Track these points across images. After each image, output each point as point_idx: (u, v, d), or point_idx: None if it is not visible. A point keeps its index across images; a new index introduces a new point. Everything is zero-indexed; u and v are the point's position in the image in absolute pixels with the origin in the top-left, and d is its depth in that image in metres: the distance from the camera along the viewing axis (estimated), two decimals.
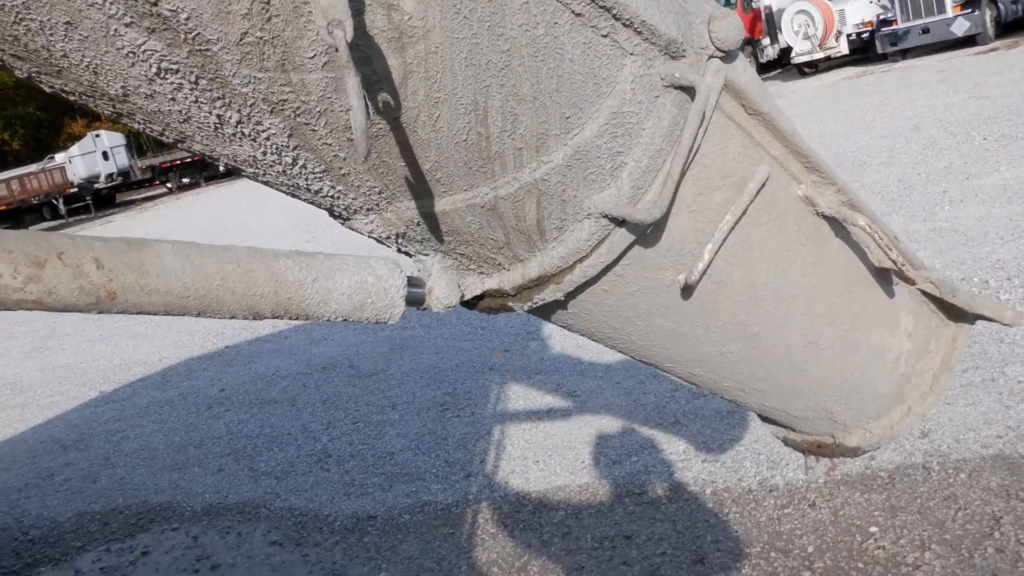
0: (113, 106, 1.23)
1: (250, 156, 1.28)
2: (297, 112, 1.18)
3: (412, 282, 1.50)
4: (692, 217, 1.57)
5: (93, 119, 50.40)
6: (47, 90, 1.26)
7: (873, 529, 3.65)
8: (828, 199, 1.72)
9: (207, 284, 1.15)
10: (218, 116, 1.19)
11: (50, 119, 51.00)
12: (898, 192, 8.64)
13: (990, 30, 21.61)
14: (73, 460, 6.72)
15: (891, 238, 1.78)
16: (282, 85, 1.15)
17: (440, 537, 4.45)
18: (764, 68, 25.63)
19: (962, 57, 19.53)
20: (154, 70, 1.12)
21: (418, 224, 1.44)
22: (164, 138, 1.30)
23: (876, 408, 2.12)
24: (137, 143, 45.48)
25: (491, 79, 1.24)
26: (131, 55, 1.10)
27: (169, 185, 39.60)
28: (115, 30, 1.07)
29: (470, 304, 1.63)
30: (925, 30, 21.84)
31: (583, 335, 1.80)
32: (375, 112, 1.20)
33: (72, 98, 1.24)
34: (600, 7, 1.26)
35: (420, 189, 1.36)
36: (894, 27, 22.03)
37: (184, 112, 1.19)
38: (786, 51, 24.83)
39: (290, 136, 1.22)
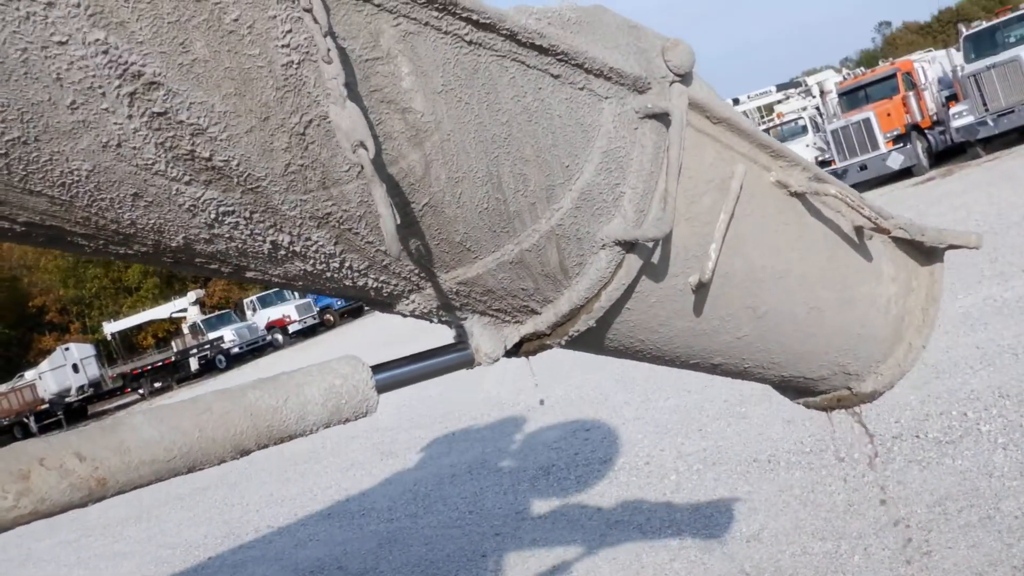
0: (175, 258, 1.33)
1: (301, 270, 1.40)
2: (341, 221, 1.31)
3: (457, 347, 1.68)
4: (689, 224, 1.75)
5: (63, 332, 50.32)
6: (111, 259, 1.39)
7: None
8: (797, 178, 1.94)
9: (188, 440, 1.18)
10: (272, 242, 1.31)
11: (19, 336, 50.88)
12: None
13: (924, 161, 22.65)
14: None
15: (860, 197, 2.02)
16: (325, 200, 1.27)
17: None
18: None
19: (902, 189, 20.36)
20: (213, 216, 1.23)
21: (456, 293, 1.56)
22: (219, 275, 1.42)
23: (881, 351, 2.33)
24: (107, 352, 45.37)
25: (498, 149, 1.39)
26: (192, 208, 1.21)
27: (141, 391, 39.25)
28: (176, 190, 1.17)
29: (511, 352, 1.77)
30: (863, 167, 22.83)
31: (613, 355, 1.99)
32: (407, 204, 1.34)
33: (134, 260, 1.35)
34: (573, 65, 1.44)
35: (454, 260, 1.49)
36: (833, 167, 22.99)
37: (240, 247, 1.30)
38: None
39: (336, 243, 1.35)
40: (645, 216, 1.63)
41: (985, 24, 23.68)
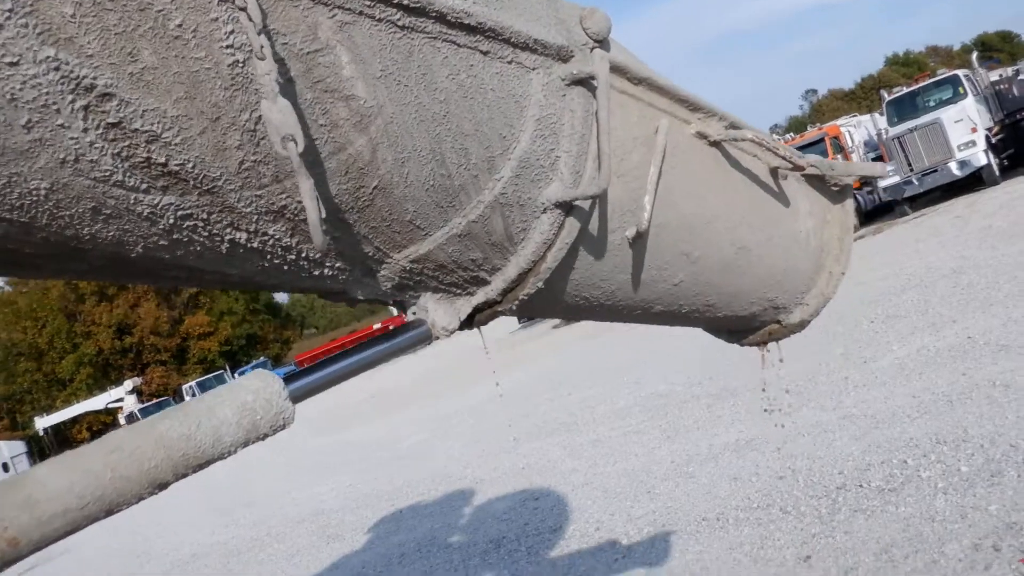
0: (135, 270, 1.33)
1: (259, 267, 1.42)
2: (296, 213, 1.33)
3: (414, 324, 1.70)
4: (621, 181, 1.84)
5: None
6: (69, 278, 1.39)
7: None
8: (715, 128, 2.07)
9: (100, 483, 1.14)
10: (230, 241, 1.32)
11: None
12: (804, 385, 8.91)
13: (855, 220, 23.29)
14: None
15: (773, 139, 2.17)
16: (280, 194, 1.30)
17: None
18: None
19: None
20: (172, 221, 1.23)
21: (409, 271, 1.61)
22: (178, 283, 1.46)
23: (805, 283, 2.52)
24: (39, 448, 43.99)
25: (439, 127, 1.45)
26: (151, 215, 1.21)
27: None
28: (135, 199, 1.17)
29: (465, 324, 1.81)
30: None
31: (562, 317, 2.11)
32: (358, 189, 1.38)
33: (93, 278, 1.34)
34: (500, 40, 1.51)
35: (405, 239, 1.54)
36: None
37: (199, 250, 1.31)
38: None
39: (292, 235, 1.37)
40: (581, 177, 1.71)
41: (906, 89, 24.72)
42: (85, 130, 1.08)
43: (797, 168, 2.24)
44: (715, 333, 2.71)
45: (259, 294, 70.96)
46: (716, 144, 2.08)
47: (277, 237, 1.36)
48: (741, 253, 2.22)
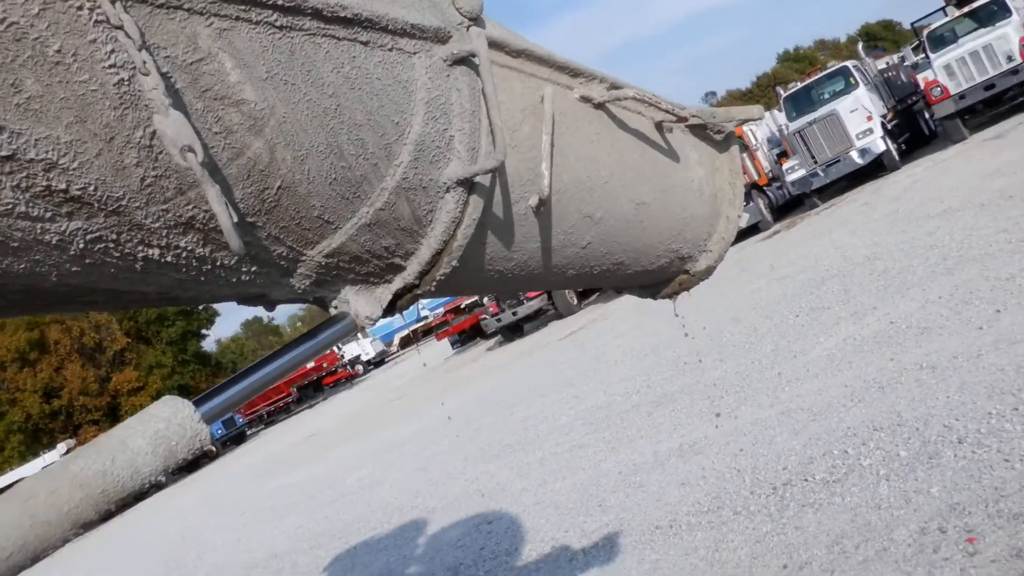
0: (50, 300, 1.32)
1: (175, 281, 1.41)
2: (204, 222, 1.34)
3: (336, 319, 1.71)
4: (517, 152, 1.90)
5: None
6: None
7: None
8: (597, 90, 2.15)
9: (20, 532, 1.13)
10: (143, 259, 1.31)
11: None
12: (739, 384, 9.11)
13: (768, 216, 23.91)
14: None
15: (656, 96, 2.27)
16: (185, 205, 1.30)
17: None
18: (582, 295, 26.96)
19: (752, 244, 21.38)
20: (82, 246, 1.22)
21: (325, 267, 1.62)
22: (96, 308, 1.44)
23: (705, 230, 2.66)
24: None
25: (332, 121, 1.47)
26: (60, 243, 1.20)
27: None
28: (42, 228, 1.17)
29: (387, 312, 1.83)
30: None
31: (480, 292, 2.16)
32: (263, 191, 1.40)
33: (6, 315, 1.34)
34: (378, 29, 1.54)
35: (316, 235, 1.56)
36: None
37: (113, 271, 1.30)
38: None
39: (204, 245, 1.37)
40: (477, 153, 1.77)
41: (800, 85, 25.49)
42: None
43: (681, 120, 2.35)
44: (629, 291, 2.85)
45: (186, 345, 69.45)
46: (600, 106, 2.16)
47: (189, 248, 1.37)
48: (640, 208, 2.32)
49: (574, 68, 2.10)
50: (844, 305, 10.28)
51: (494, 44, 1.84)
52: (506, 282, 2.12)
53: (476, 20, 1.77)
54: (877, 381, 7.14)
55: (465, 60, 1.73)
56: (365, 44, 1.53)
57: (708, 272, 2.74)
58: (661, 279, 2.71)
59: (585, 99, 2.14)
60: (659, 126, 2.36)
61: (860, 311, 9.69)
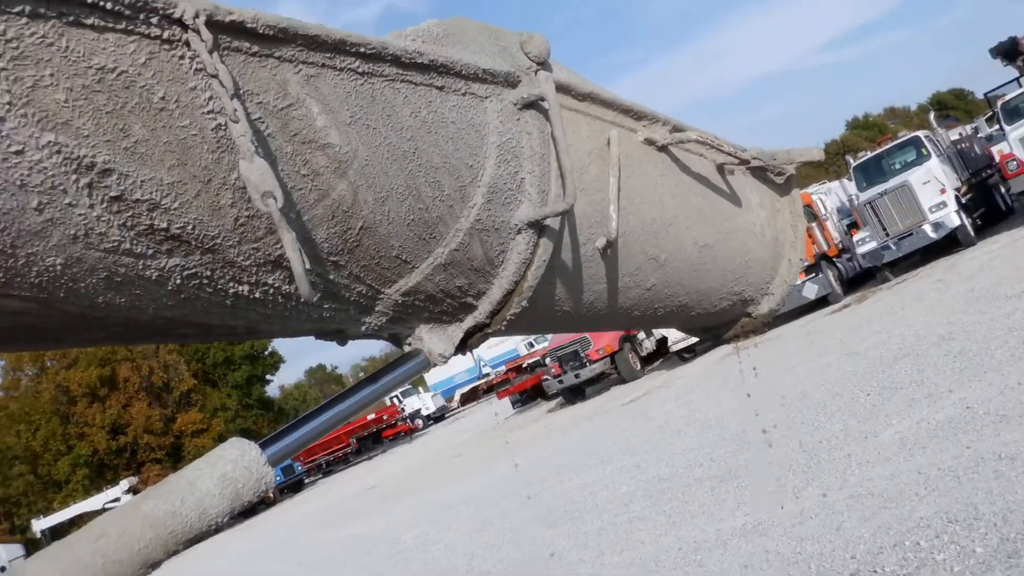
0: (147, 331, 1.39)
1: (262, 316, 1.47)
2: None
3: (410, 355, 1.76)
4: (584, 196, 1.93)
5: None
6: (82, 347, 1.46)
7: None
8: (661, 133, 2.18)
9: (92, 571, 1.15)
10: (234, 295, 1.38)
11: None
12: (805, 463, 8.89)
13: (838, 288, 23.44)
14: None
15: (718, 138, 2.28)
16: (275, 244, 1.36)
17: None
18: (646, 360, 26.71)
19: (821, 318, 20.99)
20: (179, 281, 1.29)
21: (401, 305, 1.67)
22: (186, 340, 1.50)
23: (767, 273, 2.67)
24: (36, 550, 43.00)
25: (410, 163, 1.53)
26: (159, 279, 1.27)
27: None
28: (143, 264, 1.23)
29: (459, 349, 1.87)
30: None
31: (548, 332, 2.27)
32: (346, 231, 1.45)
33: (106, 343, 1.41)
34: (452, 75, 1.60)
35: (395, 274, 1.61)
36: None
37: (205, 306, 1.36)
38: (662, 341, 26.16)
39: (290, 282, 1.42)
40: (547, 195, 1.81)
41: (871, 154, 25.08)
42: (91, 206, 1.15)
43: (743, 162, 2.38)
44: (692, 333, 2.84)
45: (251, 389, 70.50)
46: (664, 148, 2.19)
47: (276, 286, 1.42)
48: (704, 251, 2.35)
49: (638, 111, 2.14)
50: (918, 386, 10.00)
51: (561, 87, 1.88)
52: (573, 322, 2.16)
53: (543, 64, 1.83)
54: (952, 470, 6.91)
55: (534, 104, 1.78)
56: (440, 89, 1.60)
57: (771, 315, 2.75)
58: (723, 321, 2.72)
59: (649, 141, 2.17)
60: (721, 168, 2.39)
61: (934, 393, 9.42)
